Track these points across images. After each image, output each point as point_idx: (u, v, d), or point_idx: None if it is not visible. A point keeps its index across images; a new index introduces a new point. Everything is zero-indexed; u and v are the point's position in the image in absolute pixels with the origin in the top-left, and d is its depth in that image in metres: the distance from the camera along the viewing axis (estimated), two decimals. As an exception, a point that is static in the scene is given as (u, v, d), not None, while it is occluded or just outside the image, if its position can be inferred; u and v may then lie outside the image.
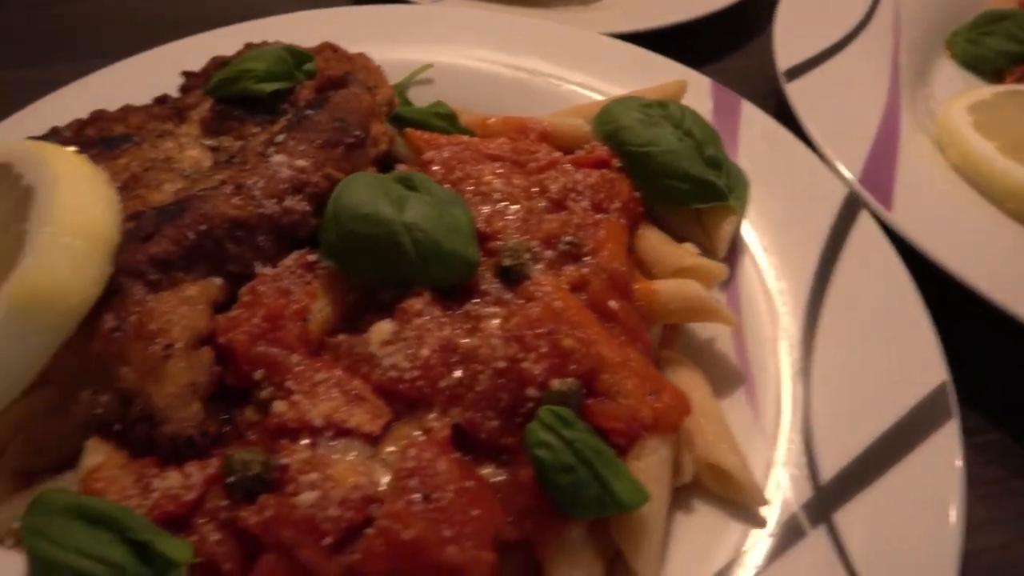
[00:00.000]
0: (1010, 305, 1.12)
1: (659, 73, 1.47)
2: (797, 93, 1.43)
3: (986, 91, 1.49)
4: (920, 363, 1.02)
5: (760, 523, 0.92)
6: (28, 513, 0.85)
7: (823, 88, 1.46)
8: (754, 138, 1.34)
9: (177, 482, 0.87)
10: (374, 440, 0.90)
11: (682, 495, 0.96)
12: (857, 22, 1.61)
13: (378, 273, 1.01)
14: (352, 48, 1.39)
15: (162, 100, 1.31)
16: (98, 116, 1.27)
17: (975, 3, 1.78)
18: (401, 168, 1.17)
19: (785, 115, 1.43)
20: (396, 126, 1.32)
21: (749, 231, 1.22)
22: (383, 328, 0.96)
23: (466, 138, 1.26)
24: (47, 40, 1.93)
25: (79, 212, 0.94)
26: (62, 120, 1.26)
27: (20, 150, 1.03)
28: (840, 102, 1.44)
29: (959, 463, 0.92)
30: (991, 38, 1.65)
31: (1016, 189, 1.30)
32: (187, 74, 1.35)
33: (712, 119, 1.36)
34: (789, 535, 0.90)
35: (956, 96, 1.50)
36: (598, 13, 1.89)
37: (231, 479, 0.85)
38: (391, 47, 1.55)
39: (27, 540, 0.83)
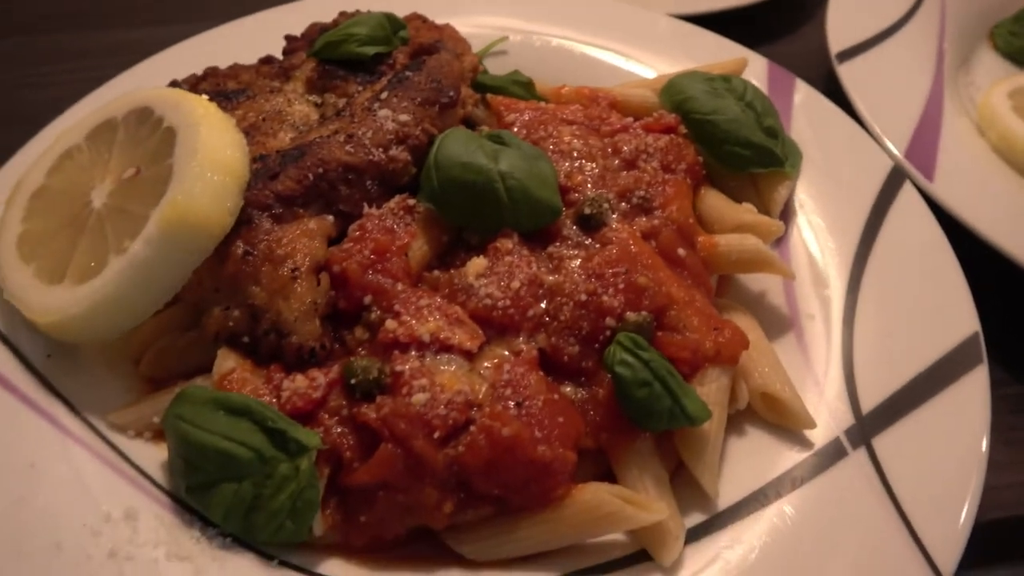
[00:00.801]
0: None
1: (717, 52, 1.57)
2: (848, 74, 1.53)
3: (1026, 77, 1.58)
4: (955, 314, 1.13)
5: (806, 445, 1.04)
6: (174, 404, 0.99)
7: (872, 70, 1.56)
8: (807, 114, 1.44)
9: (304, 383, 1.00)
10: (471, 357, 1.02)
11: (736, 420, 1.08)
12: (906, 10, 1.71)
13: (473, 216, 1.13)
14: (433, 19, 1.51)
15: (268, 60, 1.44)
16: (211, 72, 1.40)
17: (1018, -2, 1.87)
18: (483, 130, 1.30)
19: (834, 95, 1.53)
20: (477, 91, 1.44)
21: (800, 196, 1.34)
22: (478, 263, 1.09)
23: (543, 104, 1.38)
24: (157, 3, 2.06)
25: (218, 151, 1.07)
26: (171, 77, 1.39)
27: (160, 96, 1.17)
28: (888, 84, 1.54)
29: (987, 401, 1.03)
30: (1033, 31, 1.75)
31: (1053, 169, 1.40)
32: (289, 38, 1.48)
33: (768, 96, 1.46)
34: (832, 455, 1.02)
35: (997, 82, 1.60)
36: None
37: (353, 381, 0.98)
38: (468, 19, 1.66)
39: (175, 426, 0.97)
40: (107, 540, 0.93)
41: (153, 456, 1.04)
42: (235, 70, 1.42)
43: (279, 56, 1.46)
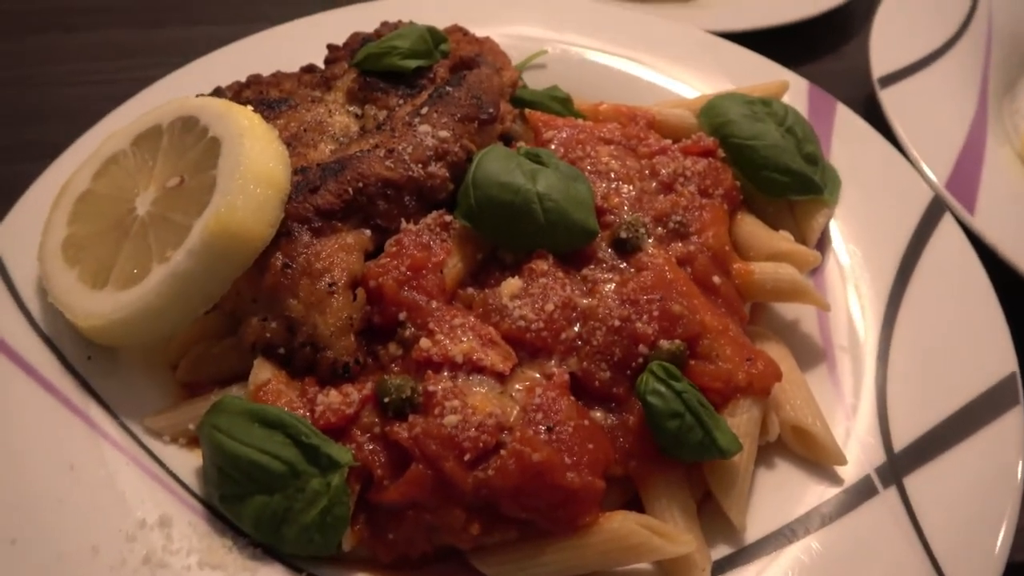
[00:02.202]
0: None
1: (758, 72, 1.57)
2: (890, 99, 1.52)
3: (1072, 109, 1.56)
4: (992, 353, 1.12)
5: (836, 481, 1.04)
6: (210, 414, 1.01)
7: (915, 96, 1.55)
8: (847, 139, 1.43)
9: (338, 399, 1.02)
10: (503, 379, 1.03)
11: (766, 452, 1.08)
12: (950, 36, 1.69)
13: (509, 235, 1.14)
14: (471, 29, 1.52)
15: (310, 69, 1.46)
16: (255, 80, 1.42)
17: (1068, 23, 1.83)
18: (520, 145, 1.30)
19: (875, 119, 1.52)
20: (515, 107, 1.44)
21: (837, 225, 1.33)
22: (513, 284, 1.10)
23: (581, 121, 1.38)
24: (208, 3, 2.09)
25: (261, 163, 1.09)
26: (217, 81, 1.41)
27: (205, 106, 1.18)
28: (930, 111, 1.53)
29: (1022, 444, 1.02)
30: (1081, 59, 1.72)
31: (1094, 205, 1.38)
32: (331, 47, 1.49)
33: (808, 119, 1.45)
34: (862, 493, 1.02)
35: (1042, 112, 1.58)
36: (701, 11, 1.98)
37: (385, 399, 0.99)
38: (508, 31, 1.66)
39: (210, 435, 0.98)
40: (141, 546, 0.95)
41: (187, 462, 1.06)
42: (278, 78, 1.43)
43: (321, 64, 1.48)
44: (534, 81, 1.59)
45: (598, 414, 1.05)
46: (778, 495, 1.04)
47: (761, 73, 1.56)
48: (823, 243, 1.31)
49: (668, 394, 0.98)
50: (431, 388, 0.99)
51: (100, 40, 1.93)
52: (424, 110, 1.25)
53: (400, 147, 1.19)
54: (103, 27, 1.97)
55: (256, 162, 1.08)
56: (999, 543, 0.95)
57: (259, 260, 1.08)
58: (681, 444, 0.98)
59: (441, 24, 1.50)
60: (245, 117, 1.14)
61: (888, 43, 1.64)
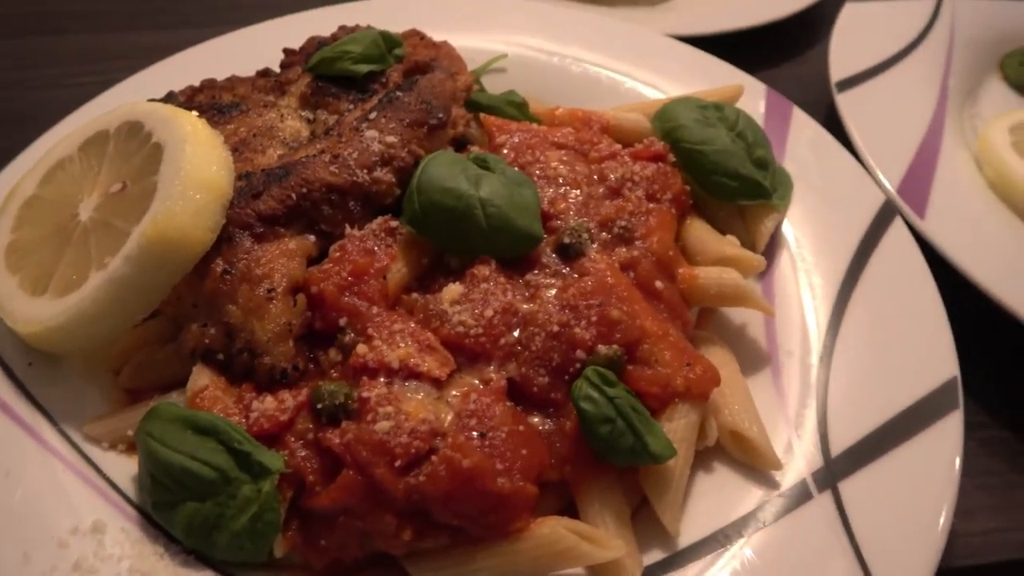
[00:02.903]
0: (1026, 315, 1.21)
1: (717, 76, 1.57)
2: (847, 104, 1.52)
3: (1029, 113, 1.56)
4: (934, 357, 1.11)
5: (772, 486, 1.04)
6: (145, 420, 1.01)
7: (872, 100, 1.55)
8: (802, 143, 1.43)
9: (272, 405, 1.02)
10: (440, 385, 1.03)
11: (705, 457, 1.08)
12: (910, 41, 1.69)
13: (453, 241, 1.14)
14: (431, 33, 1.53)
15: (265, 73, 1.46)
16: (209, 84, 1.42)
17: (1031, 27, 1.84)
18: (473, 150, 1.30)
19: (834, 123, 1.52)
20: (471, 111, 1.45)
21: (789, 229, 1.33)
22: (454, 289, 1.10)
23: (535, 126, 1.38)
24: (160, 7, 2.09)
25: (202, 169, 1.09)
26: (173, 85, 1.42)
27: (151, 111, 1.18)
28: (887, 115, 1.53)
29: (958, 448, 1.02)
30: (1044, 62, 1.72)
31: (1047, 209, 1.38)
32: (287, 51, 1.50)
33: (764, 122, 1.46)
34: (798, 497, 1.01)
35: (999, 116, 1.58)
36: (663, 14, 1.99)
37: (319, 405, 0.99)
38: (468, 36, 1.67)
39: (144, 443, 0.98)
40: (73, 552, 0.95)
41: (125, 469, 1.06)
42: (232, 82, 1.43)
43: (278, 69, 1.48)
44: (495, 85, 1.59)
45: (535, 419, 1.04)
46: (715, 500, 1.04)
47: (721, 77, 1.56)
48: (774, 246, 1.31)
49: (600, 399, 0.98)
50: (365, 394, 0.99)
51: (58, 46, 1.93)
52: (373, 115, 1.25)
53: (346, 152, 1.19)
54: (62, 32, 1.97)
55: (197, 168, 1.08)
56: (931, 549, 0.95)
57: (200, 266, 1.09)
58: (613, 449, 0.98)
59: (405, 28, 1.51)
60: (189, 123, 1.14)
61: (847, 48, 1.65)
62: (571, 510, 1.03)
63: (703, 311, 1.26)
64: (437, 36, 1.52)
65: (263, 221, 1.12)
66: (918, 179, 1.40)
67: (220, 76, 1.44)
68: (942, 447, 1.03)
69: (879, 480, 1.01)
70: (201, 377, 1.06)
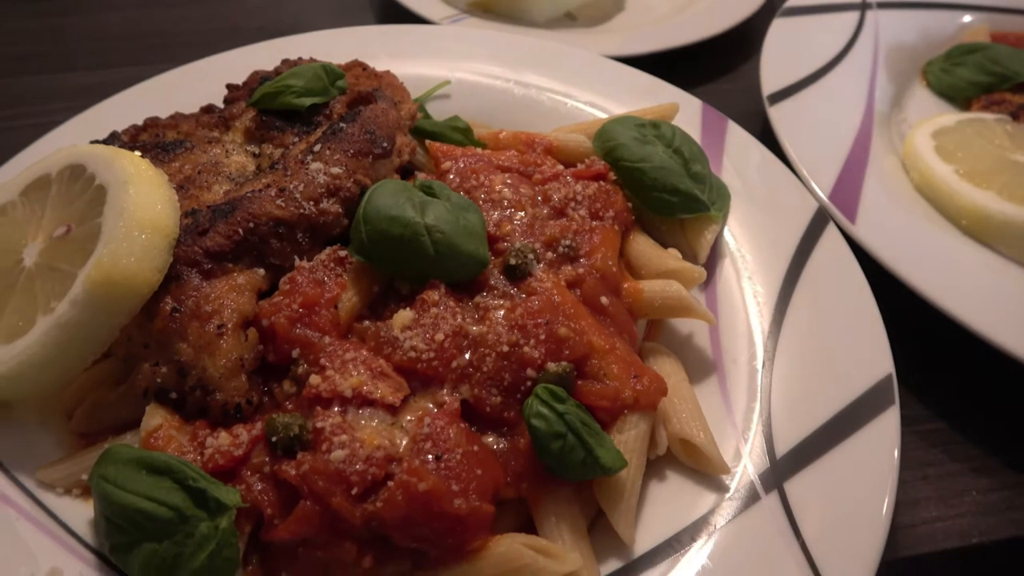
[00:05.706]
0: (958, 312, 1.26)
1: (655, 94, 1.62)
2: (779, 115, 1.58)
3: (950, 118, 1.63)
4: (870, 356, 1.16)
5: (723, 490, 1.07)
6: (98, 464, 1.00)
7: (803, 111, 1.61)
8: (737, 155, 1.48)
9: (227, 441, 1.02)
10: (394, 410, 1.05)
11: (656, 465, 1.11)
12: (837, 53, 1.76)
13: (401, 268, 1.16)
14: (375, 63, 1.55)
15: (208, 109, 1.47)
16: (152, 123, 1.43)
17: (950, 36, 1.93)
18: (421, 176, 1.33)
19: (769, 135, 1.58)
20: (416, 137, 1.47)
21: (729, 238, 1.37)
22: (404, 315, 1.12)
23: (479, 150, 1.41)
24: (100, 46, 2.09)
25: (147, 209, 1.09)
26: (117, 124, 1.42)
27: (93, 153, 1.18)
28: (818, 124, 1.59)
29: (896, 443, 1.07)
30: (962, 69, 1.80)
31: (970, 209, 1.44)
32: (231, 86, 1.51)
33: (701, 137, 1.51)
34: (747, 500, 1.05)
35: (922, 121, 1.65)
36: (602, 36, 2.04)
37: (274, 438, 1.00)
38: (412, 63, 1.70)
39: (98, 486, 0.98)
40: (30, 601, 0.94)
41: (81, 513, 1.05)
42: (176, 119, 1.44)
43: (222, 104, 1.49)
44: (440, 111, 1.62)
45: (490, 439, 1.07)
46: (668, 507, 1.07)
47: (658, 95, 1.61)
48: (718, 256, 1.35)
49: (551, 416, 1.01)
50: (320, 424, 1.00)
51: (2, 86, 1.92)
52: (317, 147, 1.27)
53: (292, 185, 1.20)
54: (2, 75, 1.96)
55: (141, 208, 1.09)
56: (875, 541, 0.98)
57: (149, 305, 1.09)
58: (565, 464, 1.00)
59: (347, 60, 1.53)
60: (131, 164, 1.14)
61: (777, 62, 1.71)
62: (530, 526, 1.05)
63: (652, 323, 1.30)
64: (379, 66, 1.54)
65: (211, 257, 1.13)
66: (848, 185, 1.45)
67: (163, 114, 1.45)
68: (881, 441, 1.07)
69: (823, 477, 1.05)
70: (154, 417, 1.06)
